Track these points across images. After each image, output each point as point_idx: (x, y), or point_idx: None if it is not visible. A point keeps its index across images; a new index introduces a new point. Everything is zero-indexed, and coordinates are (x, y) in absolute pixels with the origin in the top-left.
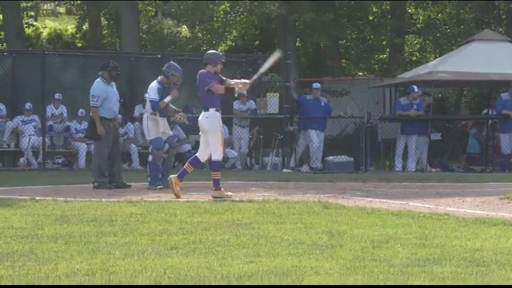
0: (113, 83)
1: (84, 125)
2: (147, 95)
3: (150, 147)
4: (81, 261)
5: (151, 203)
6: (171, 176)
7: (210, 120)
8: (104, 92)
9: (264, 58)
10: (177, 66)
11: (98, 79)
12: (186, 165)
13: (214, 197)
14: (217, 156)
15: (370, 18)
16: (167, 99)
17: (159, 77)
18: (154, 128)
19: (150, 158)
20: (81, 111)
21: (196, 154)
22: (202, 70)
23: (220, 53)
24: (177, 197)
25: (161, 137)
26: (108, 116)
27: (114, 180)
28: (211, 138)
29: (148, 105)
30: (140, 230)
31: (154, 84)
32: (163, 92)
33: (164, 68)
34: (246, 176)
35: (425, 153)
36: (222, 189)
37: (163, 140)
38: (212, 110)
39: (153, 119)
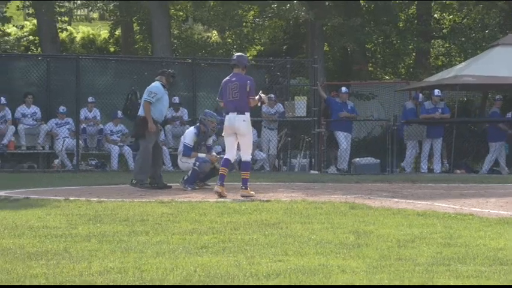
0: (166, 90)
1: (120, 127)
2: (182, 137)
3: (196, 163)
4: (114, 259)
5: (182, 203)
6: (215, 187)
7: (247, 124)
8: (161, 93)
9: (292, 62)
10: (212, 112)
11: (156, 82)
12: (220, 170)
13: (243, 196)
14: (249, 157)
15: (400, 25)
16: (202, 155)
17: (197, 123)
18: (188, 158)
19: (196, 166)
20: (119, 113)
21: (226, 156)
22: (250, 77)
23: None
24: (224, 196)
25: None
26: (157, 119)
27: (155, 181)
28: (247, 140)
29: (181, 146)
30: (171, 229)
31: (191, 129)
32: (199, 138)
33: (201, 116)
34: (274, 177)
35: (503, 156)
36: (249, 188)
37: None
38: (248, 114)
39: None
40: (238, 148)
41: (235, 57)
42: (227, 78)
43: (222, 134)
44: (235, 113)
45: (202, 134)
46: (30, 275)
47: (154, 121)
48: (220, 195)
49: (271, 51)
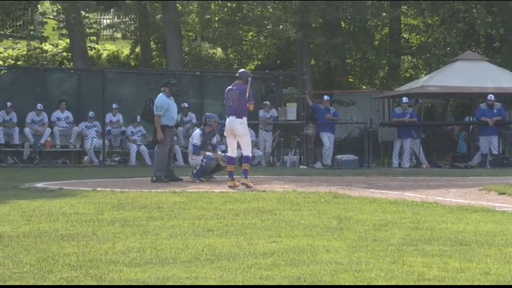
0: (171, 97)
1: (139, 128)
2: (190, 139)
3: (204, 160)
4: (134, 240)
5: (191, 193)
6: (228, 182)
7: (243, 126)
8: (167, 104)
9: (284, 74)
10: (213, 114)
11: (161, 93)
12: (228, 167)
13: (243, 183)
14: (249, 152)
15: (376, 43)
16: (209, 154)
17: (202, 126)
18: (197, 156)
19: (203, 163)
20: (138, 118)
21: (228, 154)
22: (247, 86)
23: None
24: (236, 186)
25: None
26: (170, 124)
27: (168, 174)
28: (245, 139)
29: (191, 146)
30: (182, 215)
31: (197, 131)
32: (204, 137)
33: (205, 119)
34: (269, 171)
35: None
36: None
37: (213, 156)
38: (245, 118)
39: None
40: (239, 146)
41: (240, 72)
42: (229, 87)
43: (224, 134)
44: (234, 117)
45: (207, 134)
46: (63, 254)
47: (169, 126)
48: (234, 187)
49: (266, 65)
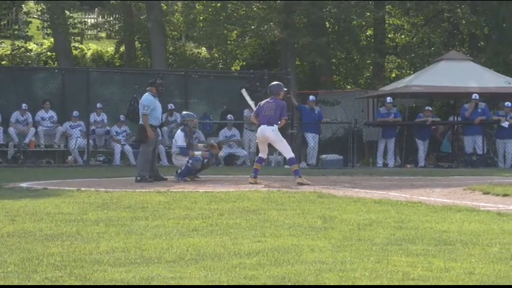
0: (157, 97)
1: (124, 128)
2: (174, 141)
3: (189, 161)
4: (118, 240)
5: (176, 193)
6: (249, 179)
7: (274, 133)
8: (153, 103)
9: (269, 74)
10: (189, 113)
11: (147, 93)
12: (255, 165)
13: (299, 183)
14: (291, 154)
15: (361, 43)
16: (198, 153)
17: (182, 126)
18: (182, 157)
19: (189, 164)
20: (121, 117)
21: (260, 155)
22: (284, 102)
23: (281, 84)
24: (259, 183)
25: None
26: (155, 124)
27: (153, 174)
28: (281, 144)
29: (174, 147)
30: (167, 215)
31: (179, 132)
32: (188, 137)
33: (181, 119)
34: None
35: None
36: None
37: (200, 156)
38: (276, 126)
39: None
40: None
41: (271, 86)
42: (266, 100)
43: (257, 141)
44: (266, 125)
45: (188, 133)
46: (48, 254)
47: (154, 126)
48: (255, 184)
49: (251, 65)
